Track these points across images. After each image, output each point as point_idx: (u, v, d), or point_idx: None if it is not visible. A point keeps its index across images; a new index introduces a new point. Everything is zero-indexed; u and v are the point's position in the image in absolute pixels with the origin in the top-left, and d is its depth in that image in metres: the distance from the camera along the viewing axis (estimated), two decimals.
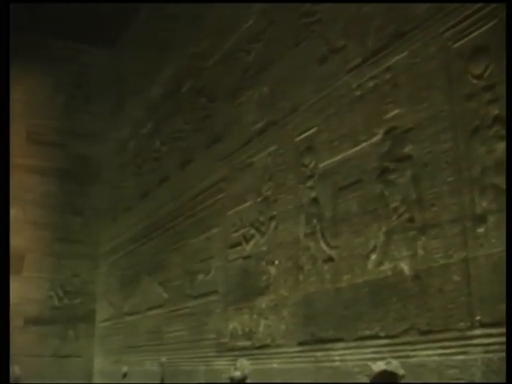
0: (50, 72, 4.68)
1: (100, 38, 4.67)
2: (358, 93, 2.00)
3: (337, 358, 1.95)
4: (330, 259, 2.03)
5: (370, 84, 1.95)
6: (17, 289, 4.25)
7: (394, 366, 1.70)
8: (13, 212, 4.33)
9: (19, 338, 4.19)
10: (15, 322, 4.20)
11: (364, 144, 1.94)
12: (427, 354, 1.63)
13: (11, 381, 3.92)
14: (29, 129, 4.56)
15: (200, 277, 2.90)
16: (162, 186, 3.48)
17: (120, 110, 4.47)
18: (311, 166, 2.19)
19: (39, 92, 4.65)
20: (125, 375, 3.64)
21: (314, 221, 2.13)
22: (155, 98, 3.80)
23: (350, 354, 1.90)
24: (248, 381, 2.41)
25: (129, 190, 4.04)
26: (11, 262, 4.26)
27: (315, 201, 2.14)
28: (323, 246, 2.08)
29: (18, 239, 4.32)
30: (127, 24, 4.42)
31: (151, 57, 3.98)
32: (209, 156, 2.98)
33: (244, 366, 2.46)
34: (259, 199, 2.49)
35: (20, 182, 4.42)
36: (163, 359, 3.14)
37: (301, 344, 2.14)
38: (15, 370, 4.08)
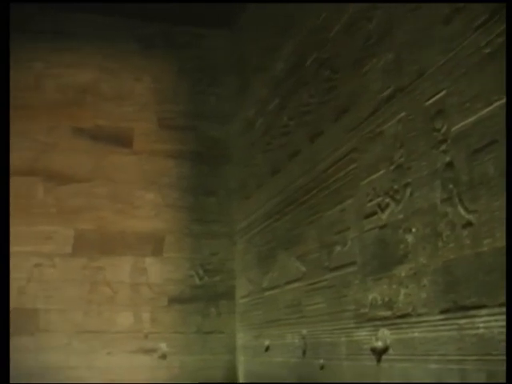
0: (173, 59, 4.88)
1: (219, 21, 4.81)
2: (487, 50, 1.96)
3: (481, 325, 1.94)
4: (469, 224, 2.02)
5: (500, 40, 1.90)
6: (159, 270, 4.52)
7: None
8: (151, 196, 4.59)
9: (165, 317, 4.46)
10: (160, 301, 4.47)
11: (497, 103, 1.90)
12: None
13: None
14: (159, 115, 4.79)
15: (337, 249, 2.94)
16: (293, 160, 3.54)
17: (245, 89, 4.59)
18: (443, 130, 2.17)
19: (165, 79, 4.87)
20: (267, 349, 3.77)
21: (450, 186, 2.12)
22: (279, 74, 3.87)
23: (495, 321, 1.88)
24: (390, 351, 2.45)
25: (259, 167, 4.14)
26: (153, 245, 4.53)
27: (450, 165, 2.13)
28: (461, 210, 2.06)
29: (158, 222, 4.58)
30: (244, 3, 4.52)
31: (271, 33, 4.04)
32: (337, 127, 3.01)
33: (385, 336, 2.49)
34: (392, 167, 2.50)
35: (155, 167, 4.67)
36: (304, 332, 3.23)
37: (443, 312, 2.14)
38: (162, 346, 4.34)
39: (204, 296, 4.54)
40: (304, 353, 3.22)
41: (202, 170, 4.75)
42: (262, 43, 4.24)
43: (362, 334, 2.67)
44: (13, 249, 4.29)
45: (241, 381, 4.32)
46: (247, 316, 4.25)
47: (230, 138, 4.79)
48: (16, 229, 4.37)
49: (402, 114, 2.43)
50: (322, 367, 3.00)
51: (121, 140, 4.70)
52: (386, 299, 2.49)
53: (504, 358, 1.71)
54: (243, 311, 4.36)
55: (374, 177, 2.64)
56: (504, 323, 1.80)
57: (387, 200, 2.52)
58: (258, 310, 4.02)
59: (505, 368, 1.63)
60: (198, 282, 4.56)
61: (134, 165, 4.68)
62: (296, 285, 3.39)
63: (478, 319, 1.96)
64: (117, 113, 4.74)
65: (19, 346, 4.21)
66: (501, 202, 1.86)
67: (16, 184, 4.46)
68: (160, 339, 4.43)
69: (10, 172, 4.42)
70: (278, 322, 3.62)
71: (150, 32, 4.84)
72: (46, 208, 4.49)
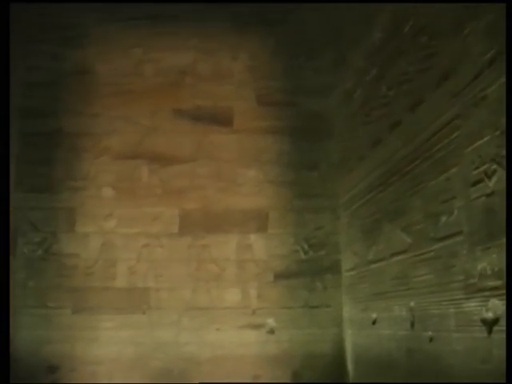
0: (269, 35, 4.91)
1: None
2: None
3: None
4: None
5: None
6: (264, 246, 4.60)
7: None
8: (253, 173, 4.66)
9: (271, 293, 4.55)
10: (266, 277, 4.55)
11: None
12: None
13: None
14: (257, 92, 4.85)
15: (443, 218, 2.90)
16: (394, 131, 3.50)
17: (342, 61, 4.56)
18: None
19: (261, 56, 4.91)
20: (374, 322, 3.77)
21: None
22: (376, 44, 3.83)
23: None
24: (501, 322, 2.40)
25: (360, 139, 4.12)
26: (257, 221, 4.61)
27: None
28: None
29: (261, 199, 4.66)
30: None
31: (366, 3, 3.99)
32: (439, 95, 2.95)
33: (496, 306, 2.45)
34: (497, 133, 2.43)
35: (256, 145, 4.74)
36: (412, 304, 3.21)
37: None
38: (270, 322, 4.43)
39: (310, 270, 4.59)
40: (412, 325, 3.21)
41: (303, 145, 4.77)
42: (357, 14, 4.19)
43: (472, 305, 2.63)
44: (121, 230, 4.50)
45: (349, 354, 4.35)
46: (353, 289, 4.26)
47: (329, 111, 4.79)
48: (123, 211, 4.58)
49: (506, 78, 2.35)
50: (431, 339, 2.98)
51: (221, 119, 4.80)
52: (496, 269, 2.44)
53: None
54: (349, 284, 4.37)
55: (478, 143, 2.58)
56: None
57: (494, 167, 2.45)
58: (363, 282, 4.03)
59: None
60: (303, 256, 4.61)
61: (235, 143, 4.76)
62: (402, 256, 3.37)
63: None
64: (216, 92, 4.83)
65: (132, 323, 4.42)
66: None
67: (121, 167, 4.66)
68: (267, 314, 4.52)
69: (115, 156, 4.62)
70: (385, 294, 3.62)
71: (244, 10, 4.88)
72: (152, 189, 4.66)
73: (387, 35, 3.64)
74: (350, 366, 4.34)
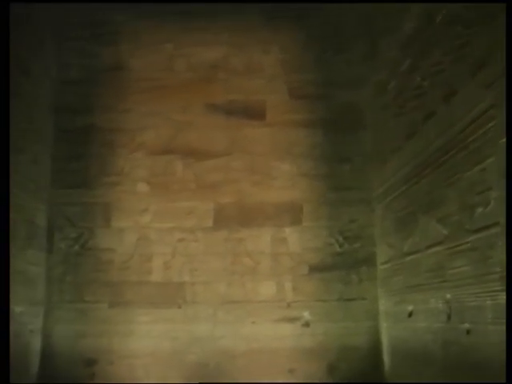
0: (299, 28, 4.92)
1: None
2: None
3: None
4: None
5: None
6: (298, 239, 4.62)
7: None
8: (286, 167, 4.68)
9: (306, 286, 4.57)
10: (301, 270, 4.57)
11: None
12: None
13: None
14: (289, 85, 4.86)
15: (479, 210, 2.89)
16: (428, 122, 3.49)
17: (374, 52, 4.55)
18: None
19: (293, 49, 4.92)
20: (410, 314, 3.77)
21: None
22: (408, 34, 3.81)
23: None
24: None
25: (394, 131, 4.11)
26: (292, 215, 4.62)
27: None
28: None
29: (295, 192, 4.68)
30: None
31: None
32: (473, 84, 2.93)
33: None
34: None
35: (289, 138, 4.76)
36: (448, 296, 3.20)
37: None
38: (305, 315, 4.44)
39: (344, 263, 4.59)
40: (449, 317, 3.20)
41: (336, 138, 4.77)
42: (389, 4, 4.17)
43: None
44: (156, 225, 4.56)
45: (385, 347, 4.34)
46: (388, 282, 4.26)
47: (362, 103, 4.77)
48: (158, 206, 4.64)
49: None
50: (468, 331, 2.98)
51: (254, 113, 4.82)
52: None
53: None
54: (384, 277, 4.37)
55: None
56: None
57: None
58: (399, 275, 4.02)
59: None
60: (338, 249, 4.62)
61: (268, 136, 4.78)
62: (437, 248, 3.36)
63: None
64: (248, 86, 4.86)
65: (168, 317, 4.48)
66: None
67: (155, 162, 4.71)
68: (303, 307, 4.54)
69: (149, 151, 4.67)
70: (421, 286, 3.61)
71: (274, 4, 4.88)
72: (186, 184, 4.70)
73: (420, 25, 3.62)
74: (385, 359, 4.34)
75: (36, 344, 4.35)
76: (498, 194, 2.72)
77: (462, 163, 3.06)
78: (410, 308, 3.79)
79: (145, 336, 4.48)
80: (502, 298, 2.67)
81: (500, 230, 2.70)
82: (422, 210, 3.62)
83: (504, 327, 2.60)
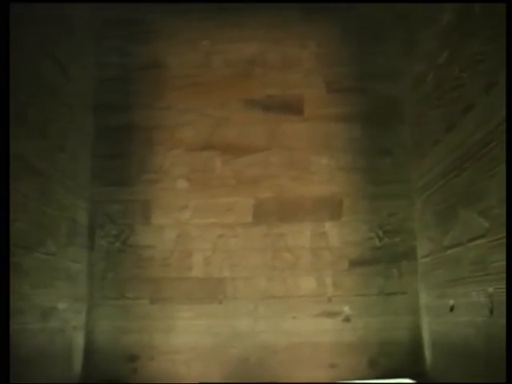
0: (335, 22, 4.92)
1: None
2: None
3: None
4: None
5: None
6: (338, 234, 4.63)
7: None
8: (325, 161, 4.70)
9: (346, 280, 4.58)
10: (341, 265, 4.59)
11: None
12: None
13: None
14: (327, 79, 4.88)
15: None
16: (468, 114, 3.47)
17: (412, 44, 4.53)
18: None
19: (329, 43, 4.93)
20: (452, 308, 3.76)
21: None
22: (447, 25, 3.79)
23: None
24: None
25: (433, 123, 4.09)
26: (331, 209, 4.64)
27: None
28: None
29: (334, 186, 4.69)
30: None
31: None
32: None
33: None
34: None
35: (327, 132, 4.78)
36: (490, 290, 3.19)
37: None
38: (346, 309, 4.46)
39: (385, 257, 4.60)
40: (491, 311, 3.19)
41: (374, 131, 4.77)
42: None
43: None
44: (196, 221, 4.63)
45: (426, 341, 4.34)
46: (429, 275, 4.25)
47: (400, 95, 4.77)
48: (197, 202, 4.70)
49: None
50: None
51: (291, 108, 4.85)
52: None
53: None
54: (425, 271, 4.36)
55: None
56: None
57: None
58: (440, 269, 4.01)
59: None
60: (377, 243, 4.62)
61: (306, 131, 4.80)
62: (479, 241, 3.35)
63: None
64: (285, 81, 4.88)
65: (208, 313, 4.53)
66: None
67: (194, 159, 4.77)
68: (343, 302, 4.56)
69: (188, 148, 4.74)
70: (462, 280, 3.60)
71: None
72: (225, 180, 4.75)
73: (458, 15, 3.60)
74: (426, 354, 4.33)
75: (79, 340, 4.45)
76: None
77: (503, 155, 3.03)
78: (452, 302, 3.78)
79: (186, 332, 4.55)
80: None
81: None
82: (462, 203, 3.60)
83: None
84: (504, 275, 3.05)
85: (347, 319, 4.53)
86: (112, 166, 4.79)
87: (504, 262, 3.04)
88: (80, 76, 4.58)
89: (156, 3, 4.97)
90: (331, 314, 4.55)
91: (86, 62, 4.77)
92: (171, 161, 4.80)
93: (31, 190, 3.61)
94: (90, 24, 4.86)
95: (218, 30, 4.96)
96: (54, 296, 3.95)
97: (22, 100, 3.50)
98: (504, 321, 3.02)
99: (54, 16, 4.06)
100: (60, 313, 4.05)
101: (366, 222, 4.65)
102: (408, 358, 4.43)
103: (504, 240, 3.04)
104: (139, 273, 4.65)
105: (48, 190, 3.88)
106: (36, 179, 3.68)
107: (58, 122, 4.07)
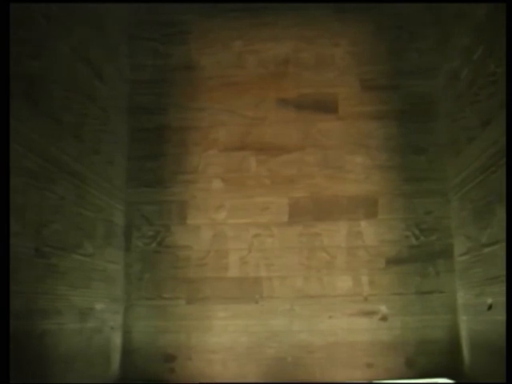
0: (368, 19, 4.93)
1: None
2: None
3: None
4: None
5: None
6: (374, 232, 4.64)
7: None
8: (360, 159, 4.71)
9: (383, 279, 4.58)
10: (377, 264, 4.59)
11: None
12: None
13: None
14: (361, 77, 4.88)
15: None
16: (504, 109, 3.44)
17: (446, 40, 4.51)
18: None
19: (363, 40, 4.94)
20: (490, 307, 3.73)
21: None
22: (481, 20, 3.76)
23: None
24: None
25: (468, 120, 4.07)
26: (367, 208, 4.65)
27: None
28: None
29: (369, 184, 4.70)
30: None
31: None
32: None
33: None
34: None
35: (362, 130, 4.78)
36: None
37: None
38: (382, 308, 4.46)
39: (421, 256, 4.58)
40: None
41: (409, 128, 4.75)
42: None
43: None
44: (232, 221, 4.67)
45: (464, 340, 4.31)
46: (467, 274, 4.23)
47: (435, 92, 4.74)
48: (233, 202, 4.74)
49: None
50: None
51: (326, 106, 4.86)
52: None
53: None
54: (462, 269, 4.34)
55: None
56: None
57: None
58: (477, 267, 3.98)
59: None
60: (414, 242, 4.61)
61: (341, 130, 4.81)
62: None
63: None
64: (319, 80, 4.90)
65: (245, 313, 4.57)
66: None
67: (229, 159, 4.82)
68: (380, 301, 4.55)
69: (223, 148, 4.78)
70: (501, 278, 3.57)
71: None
72: (260, 180, 4.78)
73: (493, 10, 3.57)
74: (465, 353, 4.31)
75: (117, 340, 4.52)
76: None
77: None
78: (490, 300, 3.75)
79: (222, 331, 4.59)
80: None
81: None
82: (499, 200, 3.57)
83: None
84: None
85: (384, 318, 4.53)
86: (147, 168, 4.86)
87: None
88: (114, 78, 4.64)
89: (188, 4, 5.02)
90: (368, 314, 4.55)
91: (121, 64, 4.84)
92: (206, 161, 4.84)
93: (67, 192, 3.68)
94: (124, 26, 4.93)
95: (250, 30, 5.00)
96: (91, 297, 4.02)
97: (57, 103, 3.58)
98: None
99: (88, 18, 4.13)
100: (97, 313, 4.13)
101: (402, 221, 4.64)
102: (446, 358, 4.41)
103: None
104: (176, 273, 4.71)
105: (84, 192, 3.95)
106: (72, 182, 3.75)
107: (92, 125, 4.14)
